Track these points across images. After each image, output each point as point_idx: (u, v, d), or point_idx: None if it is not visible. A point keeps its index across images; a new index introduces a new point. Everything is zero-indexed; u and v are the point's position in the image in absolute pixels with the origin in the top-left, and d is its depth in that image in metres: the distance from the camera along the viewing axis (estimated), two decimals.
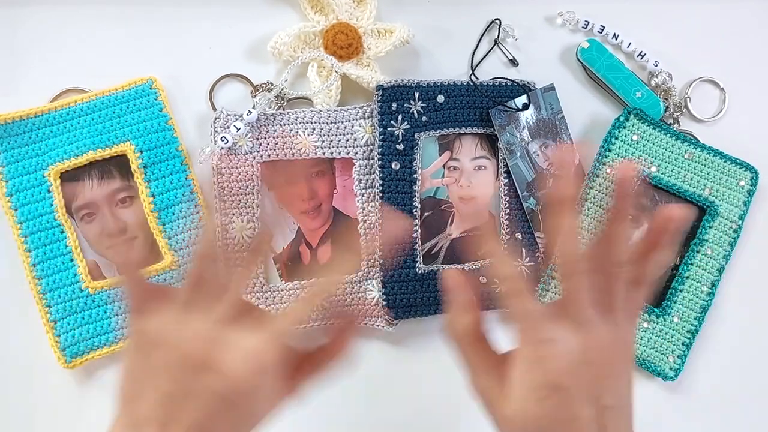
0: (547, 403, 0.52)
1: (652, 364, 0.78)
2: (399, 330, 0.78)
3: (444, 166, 0.79)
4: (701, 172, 0.78)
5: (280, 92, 0.78)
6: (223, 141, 0.75)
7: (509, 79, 0.79)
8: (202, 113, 0.79)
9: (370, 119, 0.78)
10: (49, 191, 0.76)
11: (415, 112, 0.77)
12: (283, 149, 0.77)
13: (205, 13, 0.80)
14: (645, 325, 0.78)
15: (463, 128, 0.78)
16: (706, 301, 0.78)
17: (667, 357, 0.78)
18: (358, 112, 0.78)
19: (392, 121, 0.77)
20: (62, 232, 0.76)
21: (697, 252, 0.78)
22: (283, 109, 0.78)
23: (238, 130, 0.76)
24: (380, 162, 0.77)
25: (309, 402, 0.79)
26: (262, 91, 0.78)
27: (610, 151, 0.78)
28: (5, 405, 0.77)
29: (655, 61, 0.80)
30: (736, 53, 0.82)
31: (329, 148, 0.78)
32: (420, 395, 0.79)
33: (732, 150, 0.79)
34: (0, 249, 0.77)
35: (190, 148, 0.79)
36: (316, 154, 0.78)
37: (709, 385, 0.80)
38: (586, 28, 0.81)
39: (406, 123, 0.77)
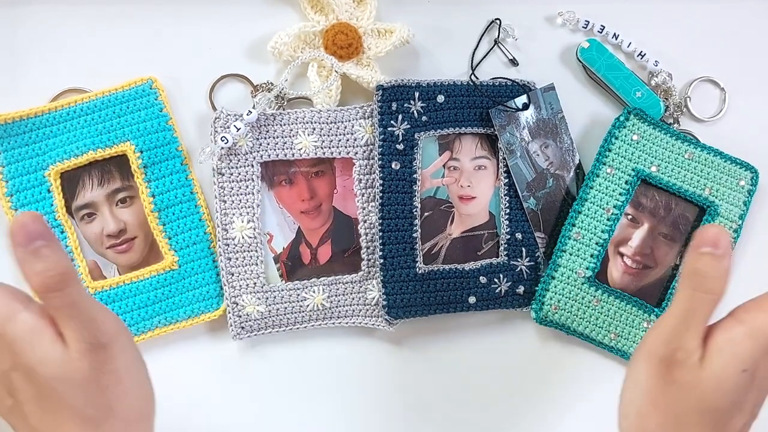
0: (741, 379, 0.54)
1: None
2: (399, 330, 0.79)
3: (444, 166, 0.79)
4: (701, 172, 0.79)
5: (280, 92, 0.78)
6: (223, 141, 0.76)
7: (509, 79, 0.79)
8: (202, 113, 0.79)
9: (370, 119, 0.78)
10: (49, 191, 0.76)
11: (415, 112, 0.77)
12: (283, 149, 0.77)
13: (205, 13, 0.80)
14: (645, 325, 0.78)
15: (463, 128, 0.78)
16: None
17: None
18: (358, 112, 0.78)
19: (392, 121, 0.77)
20: (62, 232, 0.76)
21: None
22: (283, 109, 0.78)
23: (238, 130, 0.76)
24: (380, 162, 0.77)
25: (309, 401, 0.79)
26: (262, 91, 0.78)
27: (610, 151, 0.78)
28: None
29: (655, 61, 0.80)
30: (736, 53, 0.82)
31: (329, 148, 0.78)
32: (420, 395, 0.79)
33: (732, 150, 0.79)
34: (1, 249, 0.77)
35: (190, 148, 0.79)
36: (316, 154, 0.78)
37: None
38: (586, 27, 0.81)
39: (406, 123, 0.77)
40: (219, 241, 0.77)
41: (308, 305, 0.77)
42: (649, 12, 0.82)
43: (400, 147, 0.77)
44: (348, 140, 0.78)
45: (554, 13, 0.82)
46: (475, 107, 0.78)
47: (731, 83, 0.81)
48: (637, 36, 0.81)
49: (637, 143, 0.78)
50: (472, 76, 0.80)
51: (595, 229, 0.78)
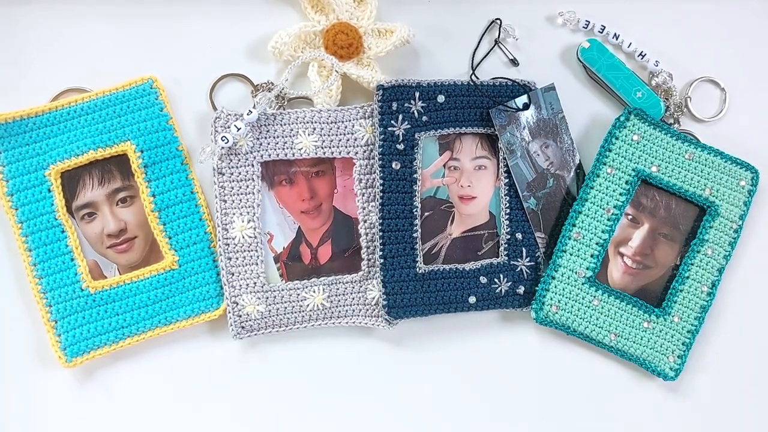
0: None
1: (652, 364, 0.78)
2: (399, 330, 0.78)
3: (444, 165, 0.79)
4: (701, 172, 0.79)
5: (280, 92, 0.78)
6: (223, 141, 0.75)
7: (509, 79, 0.79)
8: (203, 113, 0.79)
9: (370, 119, 0.78)
10: (49, 191, 0.76)
11: (415, 111, 0.77)
12: (283, 149, 0.77)
13: (206, 13, 0.80)
14: (645, 325, 0.78)
15: (464, 128, 0.78)
16: (706, 301, 0.78)
17: (667, 357, 0.78)
18: (358, 112, 0.78)
19: (392, 121, 0.77)
20: (63, 231, 0.76)
21: (697, 252, 0.78)
22: (284, 109, 0.78)
23: (239, 129, 0.76)
24: (380, 162, 0.77)
25: (309, 401, 0.79)
26: (263, 90, 0.78)
27: (610, 151, 0.78)
28: (5, 405, 0.77)
29: (656, 61, 0.80)
30: (736, 53, 0.82)
31: (329, 147, 0.78)
32: (420, 395, 0.79)
33: (732, 150, 0.79)
34: (1, 248, 0.77)
35: (190, 147, 0.79)
36: (316, 154, 0.78)
37: (709, 385, 0.80)
38: (586, 28, 0.81)
39: (406, 123, 0.77)
40: (219, 240, 0.77)
41: (308, 305, 0.77)
42: (650, 12, 0.82)
43: (401, 147, 0.77)
44: (348, 140, 0.78)
45: (555, 13, 0.82)
46: (476, 107, 0.78)
47: (731, 83, 0.81)
48: (638, 36, 0.81)
49: (638, 143, 0.78)
50: (473, 76, 0.80)
51: (596, 229, 0.78)
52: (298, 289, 0.77)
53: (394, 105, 0.77)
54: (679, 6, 0.82)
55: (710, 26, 0.82)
